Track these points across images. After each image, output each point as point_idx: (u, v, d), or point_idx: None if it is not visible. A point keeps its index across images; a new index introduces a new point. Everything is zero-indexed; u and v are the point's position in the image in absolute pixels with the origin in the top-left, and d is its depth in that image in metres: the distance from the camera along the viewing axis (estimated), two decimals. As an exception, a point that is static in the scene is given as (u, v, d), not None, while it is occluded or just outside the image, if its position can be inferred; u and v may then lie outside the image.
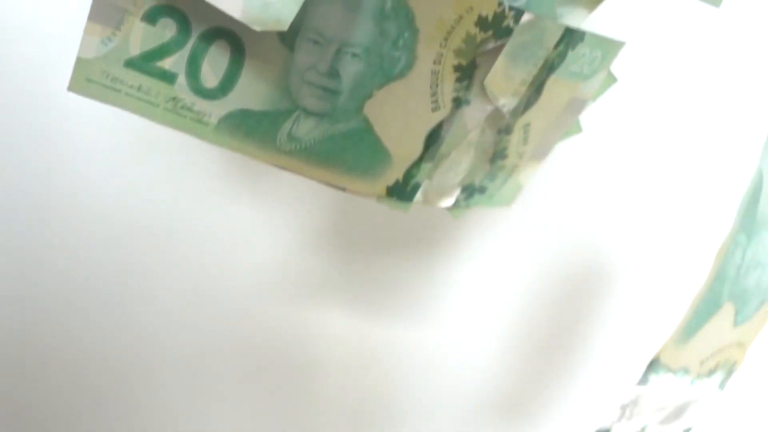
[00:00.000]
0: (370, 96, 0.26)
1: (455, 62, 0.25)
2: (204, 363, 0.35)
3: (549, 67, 0.26)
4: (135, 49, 0.25)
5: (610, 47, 0.27)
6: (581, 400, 0.41)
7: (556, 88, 0.27)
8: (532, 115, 0.27)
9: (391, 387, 0.37)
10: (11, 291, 0.30)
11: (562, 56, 0.26)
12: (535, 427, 0.40)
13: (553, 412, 0.41)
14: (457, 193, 0.29)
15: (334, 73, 0.26)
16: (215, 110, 0.26)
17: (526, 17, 0.24)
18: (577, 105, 0.28)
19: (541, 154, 0.29)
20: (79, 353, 0.33)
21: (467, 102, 0.26)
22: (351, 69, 0.26)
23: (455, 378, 0.38)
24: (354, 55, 0.25)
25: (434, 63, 0.26)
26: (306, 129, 0.27)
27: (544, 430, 0.40)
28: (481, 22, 0.25)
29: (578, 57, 0.26)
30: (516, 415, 0.40)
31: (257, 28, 0.24)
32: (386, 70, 0.26)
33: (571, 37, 0.25)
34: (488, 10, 0.25)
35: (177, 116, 0.27)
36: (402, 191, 0.28)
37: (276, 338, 0.37)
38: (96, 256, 0.35)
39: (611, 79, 0.28)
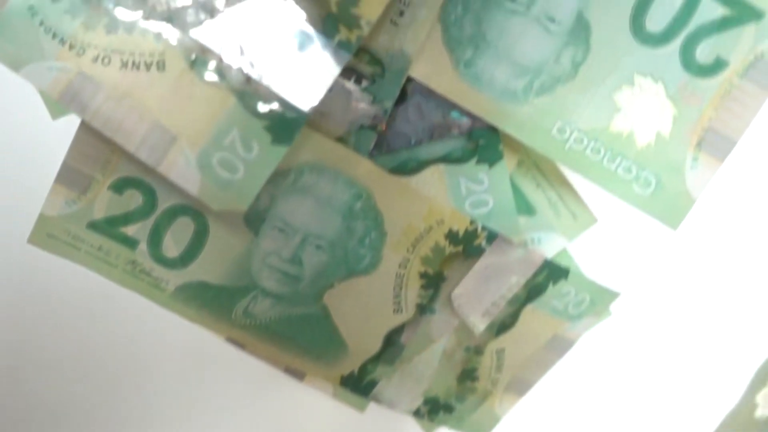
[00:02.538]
0: (331, 286, 0.25)
1: (421, 269, 0.24)
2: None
3: (526, 296, 0.25)
4: (99, 214, 0.25)
5: (599, 294, 0.25)
6: None
7: (534, 319, 0.25)
8: (507, 341, 0.25)
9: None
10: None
11: (541, 288, 0.24)
12: None
13: None
14: (418, 402, 0.27)
15: (296, 261, 0.25)
16: (173, 278, 0.26)
17: (499, 240, 0.23)
18: (561, 344, 0.26)
19: (520, 388, 0.26)
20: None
21: (432, 311, 0.25)
22: (314, 259, 0.25)
23: None
24: (318, 246, 0.24)
25: (399, 266, 0.24)
26: (263, 308, 0.26)
27: None
28: (452, 236, 0.24)
29: (561, 294, 0.24)
30: None
31: (214, 207, 0.23)
32: (350, 265, 0.25)
33: (550, 269, 0.24)
34: (459, 226, 0.23)
35: (134, 279, 0.26)
36: (357, 384, 0.26)
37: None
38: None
39: (605, 314, 0.26)
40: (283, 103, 0.22)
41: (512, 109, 0.23)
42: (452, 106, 0.24)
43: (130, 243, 0.25)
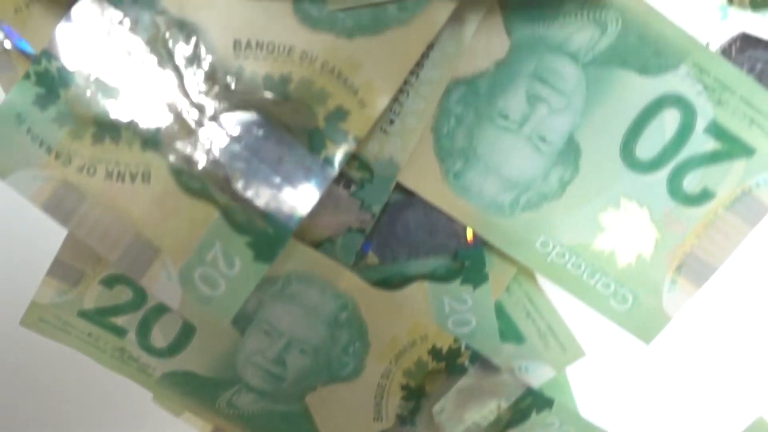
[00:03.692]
0: (313, 389, 0.25)
1: (403, 381, 0.24)
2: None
3: (509, 420, 0.24)
4: (89, 304, 0.25)
5: (586, 430, 0.24)
6: None
7: (518, 446, 0.25)
8: None
9: None
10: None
11: (524, 415, 0.24)
12: None
13: None
14: None
15: (280, 362, 0.25)
16: (160, 366, 0.26)
17: (483, 361, 0.23)
18: None
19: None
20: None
21: (413, 423, 0.25)
22: (298, 362, 0.25)
23: None
24: (303, 351, 0.24)
25: (382, 376, 0.24)
26: (246, 401, 0.26)
27: None
28: (435, 352, 0.23)
29: (545, 424, 0.24)
30: None
31: (196, 321, 0.23)
32: (333, 371, 0.25)
33: (534, 397, 0.24)
34: (443, 343, 0.23)
35: (122, 363, 0.26)
36: (337, 484, 0.27)
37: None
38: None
39: None
40: (267, 218, 0.22)
41: (498, 222, 0.23)
42: (439, 224, 0.24)
43: (119, 332, 0.25)
